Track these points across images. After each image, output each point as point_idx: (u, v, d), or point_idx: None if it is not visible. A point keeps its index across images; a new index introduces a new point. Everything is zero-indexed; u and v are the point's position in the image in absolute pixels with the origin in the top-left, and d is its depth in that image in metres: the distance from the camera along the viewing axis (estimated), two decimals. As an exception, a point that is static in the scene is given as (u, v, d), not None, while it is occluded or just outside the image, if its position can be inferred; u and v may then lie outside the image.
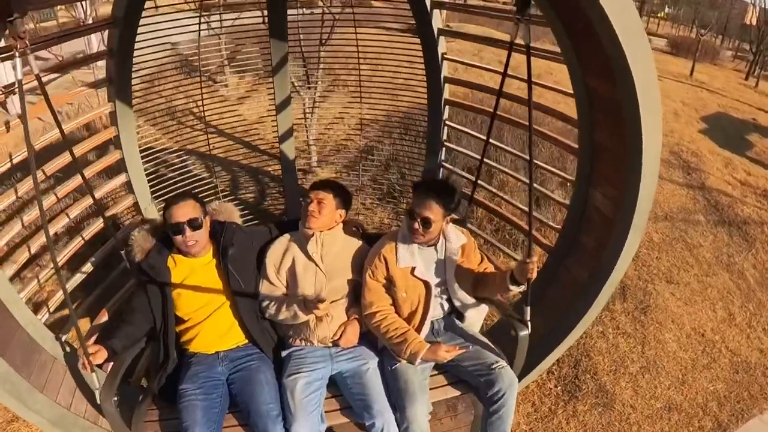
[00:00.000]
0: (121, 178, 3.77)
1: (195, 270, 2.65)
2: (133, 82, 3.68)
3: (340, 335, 2.66)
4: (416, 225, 2.53)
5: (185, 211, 2.56)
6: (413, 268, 2.62)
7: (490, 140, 3.31)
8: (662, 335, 4.73)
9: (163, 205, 2.74)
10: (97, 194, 3.25)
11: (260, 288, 2.72)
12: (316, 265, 2.66)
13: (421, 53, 4.10)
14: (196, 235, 2.58)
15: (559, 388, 4.18)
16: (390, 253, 2.62)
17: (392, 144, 6.46)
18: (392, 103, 5.22)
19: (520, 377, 2.69)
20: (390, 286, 2.65)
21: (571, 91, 2.86)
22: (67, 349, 2.73)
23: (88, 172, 3.25)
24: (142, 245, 2.70)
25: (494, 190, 4.20)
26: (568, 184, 3.60)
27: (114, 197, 5.21)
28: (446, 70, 4.10)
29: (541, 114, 3.51)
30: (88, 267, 3.22)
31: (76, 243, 3.24)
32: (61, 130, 2.50)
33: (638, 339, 4.65)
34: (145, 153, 4.08)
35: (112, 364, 2.42)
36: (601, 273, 2.83)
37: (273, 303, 2.67)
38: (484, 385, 2.50)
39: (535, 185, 3.53)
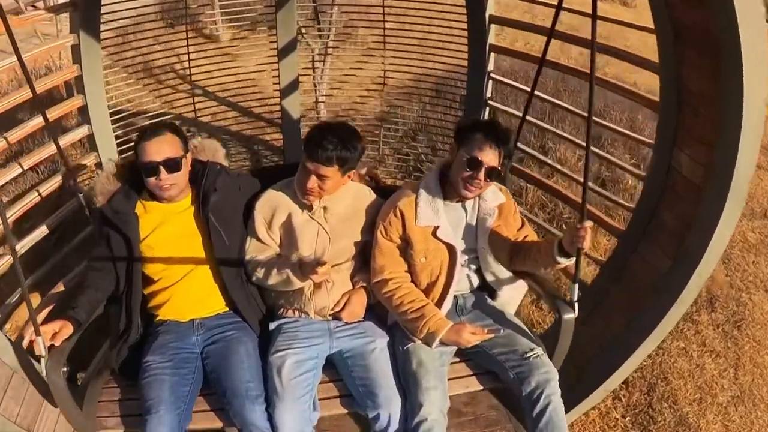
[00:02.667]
0: (81, 131, 3.78)
1: (169, 218, 2.71)
2: (105, 33, 3.79)
3: (343, 306, 2.71)
4: (481, 175, 2.55)
5: (161, 147, 2.58)
6: (436, 228, 2.66)
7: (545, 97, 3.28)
8: (761, 357, 4.63)
9: None
10: (49, 150, 3.31)
11: (247, 246, 2.78)
12: (318, 223, 2.71)
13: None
14: (173, 178, 2.62)
15: (628, 419, 4.10)
16: (408, 208, 2.66)
17: (422, 108, 6.52)
18: (422, 56, 5.30)
19: (583, 398, 2.81)
20: (406, 248, 2.71)
21: (651, 25, 2.83)
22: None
23: (39, 120, 3.24)
24: (105, 186, 2.72)
25: (548, 161, 4.23)
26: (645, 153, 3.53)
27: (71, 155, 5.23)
28: (492, 6, 4.12)
29: (606, 60, 3.46)
30: (37, 234, 3.23)
31: (18, 208, 3.21)
32: (18, 55, 2.51)
33: (730, 360, 4.56)
34: (115, 117, 4.14)
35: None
36: (686, 261, 2.80)
37: (262, 264, 2.72)
38: (516, 380, 2.54)
39: (600, 151, 3.48)
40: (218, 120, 6.17)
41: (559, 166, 4.19)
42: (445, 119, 5.57)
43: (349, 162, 2.59)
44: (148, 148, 2.56)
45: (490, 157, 2.54)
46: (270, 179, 2.89)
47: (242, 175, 2.97)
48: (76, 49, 3.61)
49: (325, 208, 2.69)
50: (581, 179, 2.60)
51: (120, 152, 4.07)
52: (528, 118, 3.39)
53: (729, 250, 5.69)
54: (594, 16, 2.29)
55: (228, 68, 5.47)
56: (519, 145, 3.95)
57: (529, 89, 3.29)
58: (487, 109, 4.45)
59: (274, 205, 2.74)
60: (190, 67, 4.96)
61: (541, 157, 4.27)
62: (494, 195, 2.75)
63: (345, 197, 2.75)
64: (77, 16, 3.52)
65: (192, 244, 2.73)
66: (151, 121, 5.22)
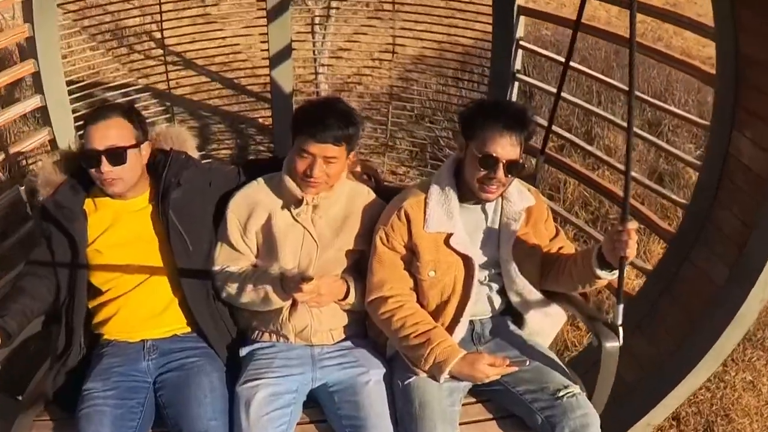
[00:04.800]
0: (32, 102, 3.80)
1: (122, 218, 2.67)
2: None
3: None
4: (499, 173, 2.46)
5: (106, 134, 2.54)
6: (449, 235, 2.56)
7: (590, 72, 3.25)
8: None
9: None
10: None
11: (216, 254, 2.73)
12: (304, 227, 2.65)
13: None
14: (117, 171, 2.57)
15: (680, 462, 4.01)
16: (416, 210, 2.58)
17: (440, 82, 6.48)
18: (439, 20, 5.27)
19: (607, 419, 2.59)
20: (412, 259, 2.61)
21: None
22: None
23: None
24: (49, 177, 2.69)
25: (592, 149, 4.17)
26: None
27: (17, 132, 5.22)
28: None
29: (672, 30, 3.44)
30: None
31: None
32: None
33: None
34: (74, 87, 4.13)
35: None
36: (746, 268, 2.79)
37: (234, 278, 2.66)
38: (546, 426, 2.40)
39: (651, 137, 3.45)
40: (197, 93, 6.18)
41: (606, 157, 4.14)
42: (469, 96, 5.54)
43: (353, 139, 2.59)
44: (92, 134, 2.53)
45: (506, 149, 2.44)
46: (251, 174, 2.86)
47: (215, 168, 2.94)
48: (26, 6, 3.61)
49: (315, 207, 2.64)
50: (633, 172, 2.51)
51: (78, 128, 4.02)
52: (570, 98, 3.34)
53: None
54: None
55: (208, 31, 5.47)
56: (557, 129, 3.94)
57: (562, 58, 3.26)
58: (516, 84, 4.44)
59: (251, 204, 2.69)
60: (162, 29, 4.94)
61: (585, 145, 4.25)
62: (520, 195, 2.66)
63: (338, 197, 2.70)
64: None
65: (147, 249, 2.68)
66: (115, 94, 5.26)
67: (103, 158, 2.52)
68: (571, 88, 5.96)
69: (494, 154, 2.42)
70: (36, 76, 3.75)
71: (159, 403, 2.54)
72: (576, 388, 2.44)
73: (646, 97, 4.06)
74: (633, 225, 2.25)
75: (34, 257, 2.67)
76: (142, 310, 2.66)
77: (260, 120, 6.46)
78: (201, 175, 2.78)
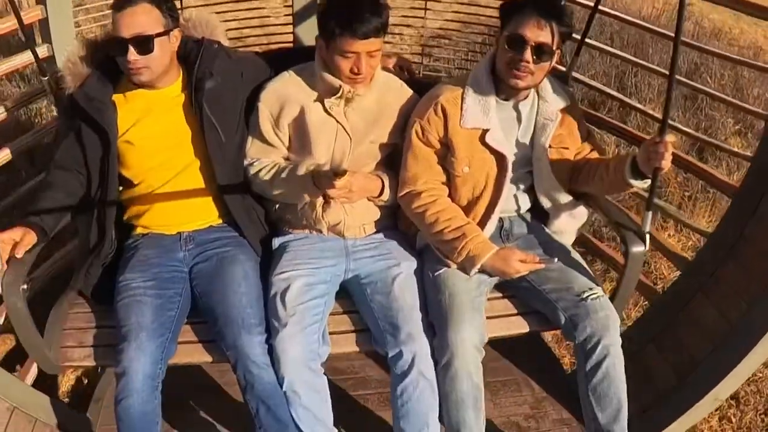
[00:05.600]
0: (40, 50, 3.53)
1: (153, 108, 2.66)
2: None
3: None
4: (527, 54, 2.43)
5: (133, 20, 2.44)
6: (485, 132, 2.59)
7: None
8: None
9: None
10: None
11: (248, 146, 2.73)
12: (337, 120, 2.64)
13: None
14: (145, 60, 2.50)
15: (740, 445, 3.93)
16: (453, 105, 2.60)
17: (462, 59, 6.35)
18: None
19: (685, 410, 2.76)
20: (446, 154, 2.65)
21: None
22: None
23: None
24: (75, 69, 2.60)
25: (627, 99, 4.07)
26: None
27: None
28: None
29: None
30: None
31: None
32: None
33: None
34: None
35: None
36: None
37: (265, 170, 2.67)
38: (569, 325, 2.51)
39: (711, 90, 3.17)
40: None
41: (641, 106, 4.05)
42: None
43: (388, 24, 2.53)
44: (119, 20, 2.44)
45: (535, 32, 2.42)
46: (280, 64, 2.80)
47: (246, 57, 2.88)
48: None
49: (347, 100, 2.60)
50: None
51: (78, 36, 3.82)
52: (593, 42, 3.09)
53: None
54: None
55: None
56: (591, 82, 3.69)
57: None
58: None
59: (283, 96, 2.67)
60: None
61: (620, 95, 4.12)
62: (556, 95, 2.68)
63: (371, 89, 2.67)
64: None
65: (181, 141, 2.69)
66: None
67: (130, 46, 2.44)
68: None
69: (522, 34, 2.43)
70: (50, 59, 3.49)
71: (194, 293, 2.61)
72: (599, 290, 2.55)
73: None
74: (671, 138, 2.31)
75: (62, 150, 2.64)
76: (177, 203, 2.69)
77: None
78: (233, 65, 2.74)
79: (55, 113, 3.37)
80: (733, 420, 3.80)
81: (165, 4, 2.54)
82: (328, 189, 2.37)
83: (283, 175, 2.60)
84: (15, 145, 3.13)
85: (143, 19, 2.44)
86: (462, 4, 5.42)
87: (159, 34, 2.49)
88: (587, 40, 3.18)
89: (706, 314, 3.00)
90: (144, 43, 2.45)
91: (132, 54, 2.44)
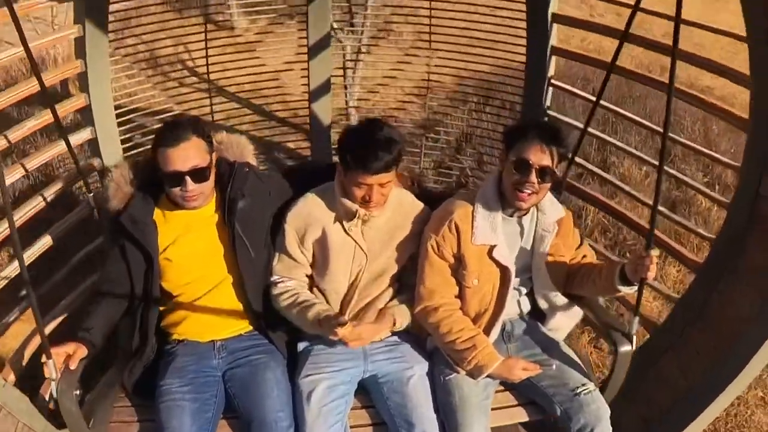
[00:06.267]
0: (83, 135, 3.77)
1: (191, 228, 2.81)
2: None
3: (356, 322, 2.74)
4: (532, 177, 2.61)
5: (187, 155, 2.60)
6: (492, 248, 2.75)
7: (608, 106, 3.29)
8: None
9: None
10: (44, 156, 3.32)
11: (274, 264, 2.88)
12: (355, 240, 2.80)
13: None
14: (200, 188, 2.67)
15: (698, 478, 4.03)
16: (465, 222, 2.74)
17: (469, 116, 6.55)
18: (472, 57, 5.34)
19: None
20: (458, 268, 2.80)
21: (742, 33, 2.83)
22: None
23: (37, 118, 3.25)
24: (119, 189, 2.78)
25: (611, 178, 4.31)
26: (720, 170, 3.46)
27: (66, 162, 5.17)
28: (555, 4, 4.16)
29: (688, 70, 3.43)
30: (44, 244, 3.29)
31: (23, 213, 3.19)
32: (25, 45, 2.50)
33: None
34: (121, 120, 4.15)
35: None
36: None
37: (285, 297, 2.81)
38: (564, 416, 2.68)
39: (671, 170, 3.47)
40: (236, 122, 6.17)
41: (623, 185, 4.23)
42: (495, 129, 5.59)
43: (400, 158, 2.69)
44: (172, 156, 2.58)
45: (539, 156, 2.60)
46: (302, 182, 2.98)
47: (272, 177, 3.05)
48: (80, 42, 3.59)
49: (364, 221, 2.76)
50: (648, 200, 2.60)
51: (125, 158, 4.04)
52: (592, 130, 3.42)
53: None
54: (677, 19, 2.31)
55: (250, 66, 5.50)
56: (577, 159, 3.98)
57: (591, 97, 3.31)
58: (546, 119, 4.44)
59: (307, 218, 2.82)
60: (208, 63, 4.96)
61: (603, 173, 4.34)
62: (553, 207, 2.84)
63: (385, 209, 2.81)
64: (82, 4, 3.51)
65: (215, 257, 2.83)
66: (160, 119, 5.21)
67: (187, 178, 2.60)
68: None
69: (528, 159, 2.60)
70: (85, 108, 3.73)
71: (229, 394, 2.74)
72: (591, 386, 2.72)
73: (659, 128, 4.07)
74: (655, 252, 2.50)
75: (109, 267, 2.81)
76: (212, 314, 2.82)
77: (297, 150, 6.51)
78: (262, 185, 2.90)
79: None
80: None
81: (205, 134, 2.70)
82: (332, 336, 2.55)
83: (295, 311, 2.75)
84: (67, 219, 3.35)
85: (195, 153, 2.60)
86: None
87: (210, 164, 2.67)
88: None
89: (671, 370, 3.24)
90: (200, 174, 2.62)
91: (190, 184, 2.60)
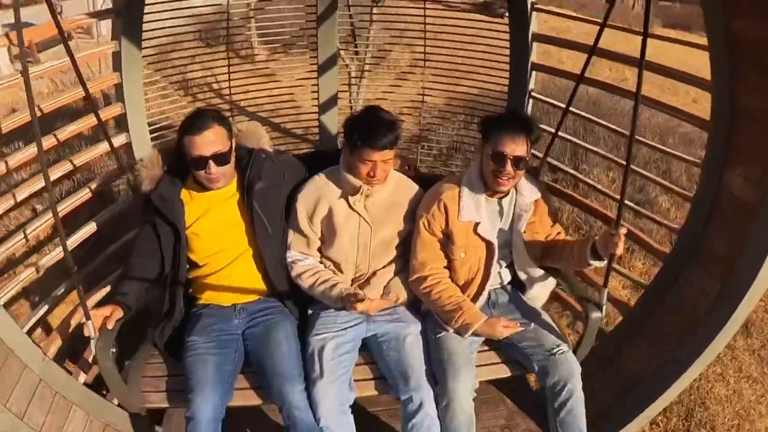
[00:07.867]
0: (120, 139, 3.71)
1: (214, 206, 2.84)
2: (145, 51, 3.74)
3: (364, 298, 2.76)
4: (508, 167, 2.65)
5: (210, 140, 2.63)
6: (476, 224, 2.79)
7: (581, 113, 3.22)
8: (799, 383, 4.49)
9: None
10: (84, 157, 3.33)
11: (289, 239, 2.93)
12: (359, 214, 2.85)
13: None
14: (222, 170, 2.71)
15: (666, 445, 4.14)
16: (452, 202, 2.79)
17: (457, 127, 6.64)
18: (461, 75, 5.40)
19: (624, 425, 2.97)
20: (447, 242, 2.84)
21: (703, 42, 2.82)
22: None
23: (75, 127, 3.25)
24: (151, 171, 2.81)
25: (583, 177, 4.29)
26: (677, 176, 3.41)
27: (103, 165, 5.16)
28: (535, 24, 4.18)
29: (653, 78, 3.34)
30: (86, 231, 3.29)
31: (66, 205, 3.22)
32: (71, 55, 2.64)
33: (767, 386, 4.52)
34: (153, 128, 4.19)
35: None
36: (735, 287, 2.80)
37: (307, 275, 2.88)
38: (541, 372, 2.72)
39: (640, 170, 3.39)
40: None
41: (594, 183, 4.23)
42: (479, 138, 5.49)
43: (399, 139, 2.75)
44: (197, 142, 2.62)
45: (512, 147, 2.65)
46: (313, 166, 3.02)
47: (287, 161, 3.06)
48: (117, 57, 3.59)
49: (367, 196, 2.81)
50: (616, 195, 2.52)
51: (153, 146, 3.99)
52: (562, 134, 3.50)
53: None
54: (645, 34, 2.35)
55: (266, 89, 5.59)
56: (553, 161, 3.94)
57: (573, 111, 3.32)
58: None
59: (316, 197, 2.88)
60: (230, 87, 4.97)
61: (576, 173, 4.34)
62: (531, 190, 2.87)
63: (387, 185, 2.87)
64: (119, 22, 3.52)
65: (236, 232, 2.86)
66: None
67: (211, 162, 2.64)
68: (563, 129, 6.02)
69: (503, 151, 2.64)
70: (122, 117, 3.69)
71: (247, 350, 2.78)
72: (565, 347, 2.74)
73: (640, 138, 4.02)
74: (623, 230, 2.53)
75: (141, 239, 2.84)
76: (233, 282, 2.87)
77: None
78: (277, 168, 2.93)
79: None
80: (661, 425, 4.04)
81: (226, 122, 2.73)
82: (351, 309, 2.63)
83: (320, 290, 2.80)
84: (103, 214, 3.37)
85: (217, 139, 2.63)
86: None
87: (230, 149, 2.71)
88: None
89: (643, 349, 3.20)
90: (222, 158, 2.66)
91: (213, 167, 2.64)
